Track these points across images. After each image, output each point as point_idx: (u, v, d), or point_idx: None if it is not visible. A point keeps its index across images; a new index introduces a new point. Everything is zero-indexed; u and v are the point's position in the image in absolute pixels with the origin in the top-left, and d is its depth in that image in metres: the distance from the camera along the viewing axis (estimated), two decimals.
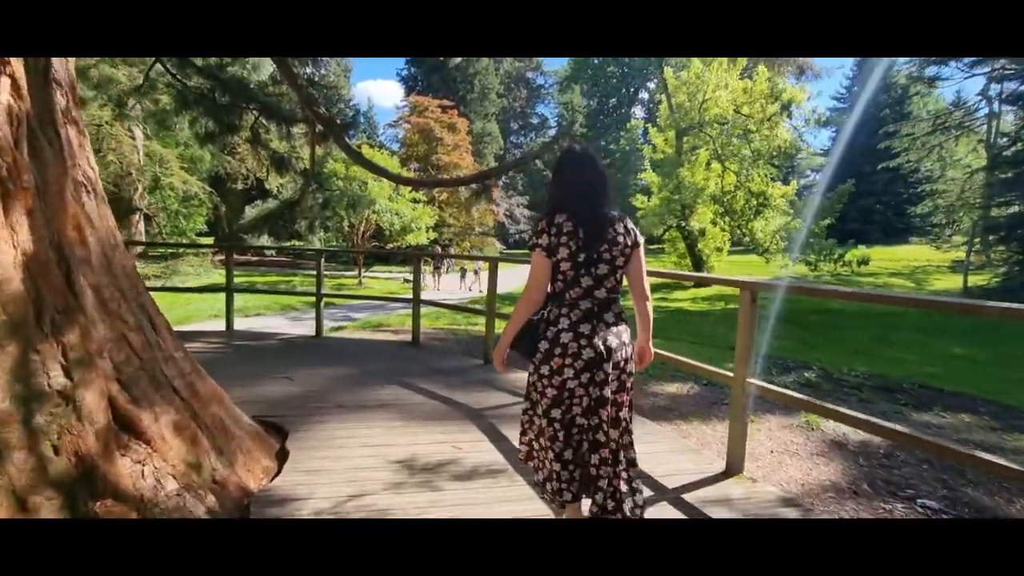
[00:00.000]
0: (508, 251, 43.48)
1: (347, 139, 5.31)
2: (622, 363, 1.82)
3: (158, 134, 21.30)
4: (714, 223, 17.36)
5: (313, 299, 6.14)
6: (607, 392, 1.78)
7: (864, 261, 17.42)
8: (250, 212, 6.76)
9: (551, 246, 1.77)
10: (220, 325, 7.13)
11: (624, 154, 47.73)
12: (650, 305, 1.94)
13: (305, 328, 9.32)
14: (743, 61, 16.97)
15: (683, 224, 19.26)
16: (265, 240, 6.75)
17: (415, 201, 18.43)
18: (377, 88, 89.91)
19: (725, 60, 16.11)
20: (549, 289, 1.82)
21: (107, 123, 16.47)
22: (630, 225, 1.89)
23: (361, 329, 9.05)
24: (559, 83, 58.58)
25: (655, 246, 44.25)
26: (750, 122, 17.32)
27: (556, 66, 63.56)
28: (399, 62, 42.25)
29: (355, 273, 20.49)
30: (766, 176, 17.59)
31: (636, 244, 1.87)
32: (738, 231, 18.81)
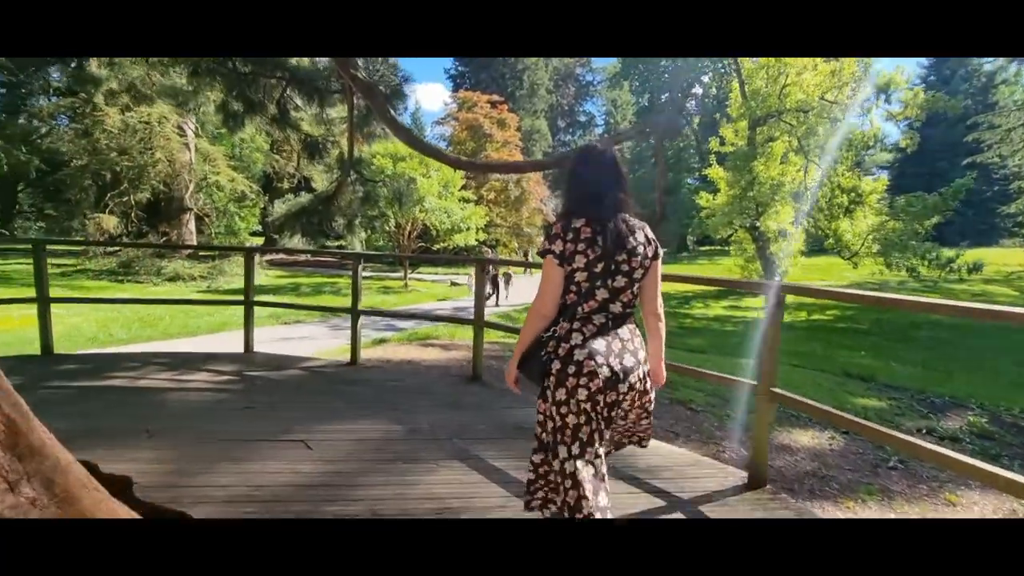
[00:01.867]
0: None
1: (392, 112, 4.17)
2: (637, 384, 1.65)
3: (213, 133, 21.34)
4: (797, 223, 15.43)
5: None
6: (615, 414, 1.65)
7: (977, 267, 15.02)
8: (279, 208, 5.66)
9: (566, 253, 1.59)
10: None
11: (676, 151, 45.53)
12: (663, 325, 1.76)
13: (345, 339, 8.37)
14: None
15: (756, 224, 17.39)
16: (297, 241, 5.71)
17: (465, 200, 17.36)
18: (423, 91, 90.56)
19: None
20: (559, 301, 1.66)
21: (156, 121, 16.28)
22: (650, 234, 1.70)
23: (406, 342, 7.99)
24: (608, 80, 56.62)
25: (707, 247, 41.59)
26: (837, 109, 15.32)
27: (605, 63, 61.71)
28: (446, 62, 41.64)
29: (400, 275, 19.69)
30: (855, 170, 15.53)
31: (656, 255, 1.70)
32: (819, 232, 16.78)
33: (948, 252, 14.95)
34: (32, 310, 4.60)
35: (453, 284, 19.75)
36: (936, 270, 14.40)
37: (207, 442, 2.55)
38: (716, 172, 18.67)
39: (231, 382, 3.80)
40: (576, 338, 1.59)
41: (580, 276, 1.59)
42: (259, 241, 29.22)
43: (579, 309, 1.61)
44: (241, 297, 4.77)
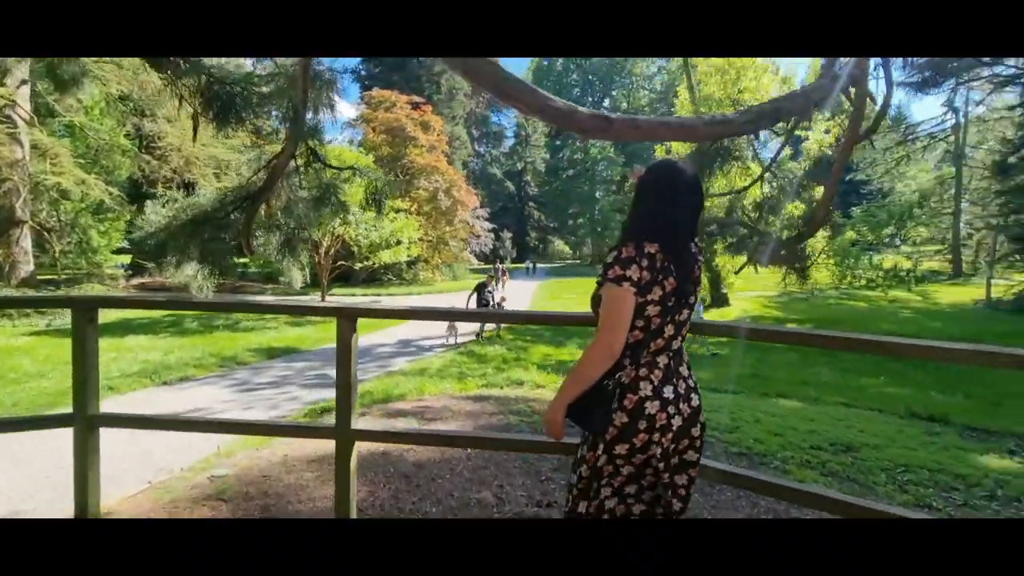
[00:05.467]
0: (489, 265, 39.81)
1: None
2: (702, 421, 1.52)
3: (59, 130, 16.68)
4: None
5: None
6: (690, 456, 1.50)
7: (923, 277, 15.19)
8: (155, 216, 2.97)
9: (642, 282, 1.40)
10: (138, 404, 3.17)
11: (593, 162, 45.82)
12: None
13: (269, 405, 5.57)
14: None
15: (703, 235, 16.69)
16: (189, 274, 3.18)
17: (396, 210, 14.80)
18: None
19: None
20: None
21: None
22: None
23: (366, 406, 5.47)
24: None
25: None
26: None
27: (517, 72, 61.42)
28: (352, 63, 38.14)
29: (316, 299, 16.55)
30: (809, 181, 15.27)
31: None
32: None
33: (905, 262, 15.05)
34: None
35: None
36: (892, 280, 14.43)
37: None
38: None
39: None
40: (645, 388, 1.42)
41: (652, 310, 1.42)
42: (125, 260, 24.01)
43: (646, 349, 1.44)
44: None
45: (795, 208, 15.48)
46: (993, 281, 19.40)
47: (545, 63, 49.59)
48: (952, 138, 31.72)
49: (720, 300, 18.00)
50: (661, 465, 1.46)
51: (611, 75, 48.68)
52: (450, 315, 3.12)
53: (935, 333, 14.00)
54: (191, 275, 3.30)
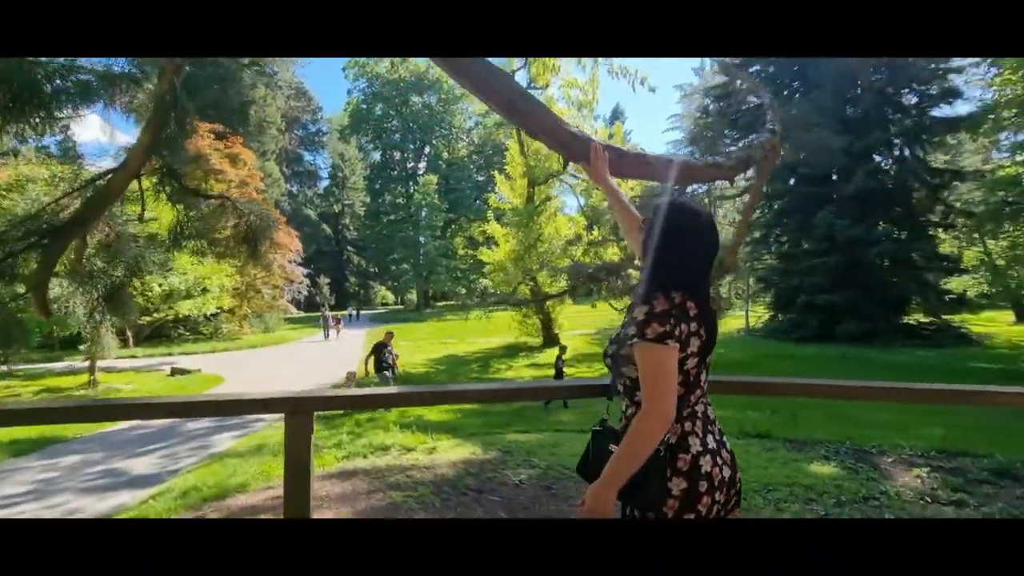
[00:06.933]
0: (306, 314, 35.83)
1: None
2: (739, 465, 1.46)
3: None
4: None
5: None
6: (732, 506, 1.41)
7: None
8: None
9: (682, 336, 1.30)
10: None
11: (417, 207, 45.92)
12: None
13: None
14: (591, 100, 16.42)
15: (535, 278, 17.74)
16: None
17: (200, 253, 12.43)
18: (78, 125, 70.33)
19: (592, 107, 15.39)
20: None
21: None
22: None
23: (207, 511, 4.01)
24: (339, 131, 54.10)
25: (443, 303, 42.48)
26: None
27: (332, 113, 59.47)
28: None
29: (79, 365, 12.86)
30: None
31: None
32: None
33: None
34: None
35: (176, 372, 13.86)
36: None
37: None
38: (496, 228, 18.52)
39: None
40: (695, 443, 1.32)
41: (691, 363, 1.34)
42: None
43: (686, 403, 1.35)
44: None
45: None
46: (749, 313, 24.33)
47: (364, 107, 48.80)
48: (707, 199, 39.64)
49: (551, 340, 19.11)
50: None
51: (431, 124, 49.94)
52: (452, 395, 2.44)
53: (722, 357, 16.77)
54: None
